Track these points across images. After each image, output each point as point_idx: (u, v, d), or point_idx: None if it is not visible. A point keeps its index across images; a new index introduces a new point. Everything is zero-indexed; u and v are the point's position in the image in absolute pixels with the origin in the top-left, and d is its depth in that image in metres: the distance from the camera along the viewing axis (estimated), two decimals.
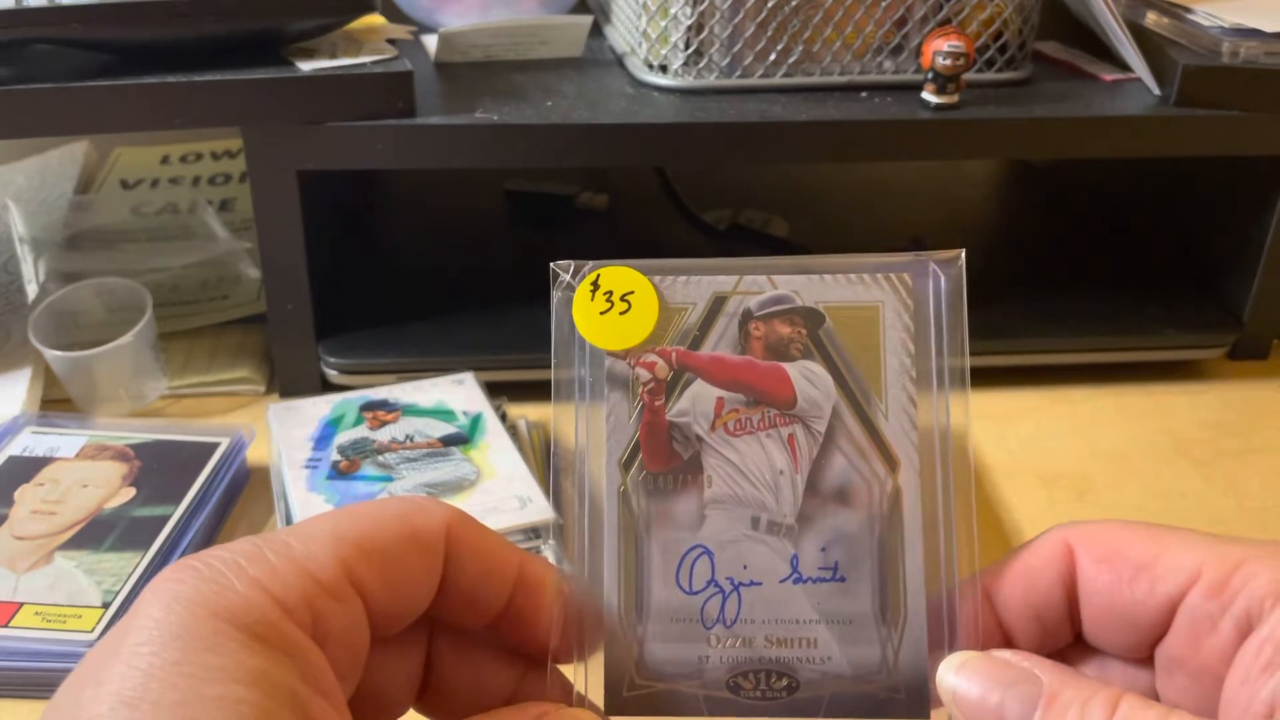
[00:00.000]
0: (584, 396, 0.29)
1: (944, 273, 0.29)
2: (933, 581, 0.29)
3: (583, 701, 0.28)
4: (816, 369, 0.29)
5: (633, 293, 0.30)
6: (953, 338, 0.29)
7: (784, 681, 0.28)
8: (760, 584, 0.29)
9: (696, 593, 0.29)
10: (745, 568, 0.29)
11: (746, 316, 0.30)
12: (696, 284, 0.30)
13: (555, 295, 0.30)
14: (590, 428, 0.29)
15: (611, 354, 0.29)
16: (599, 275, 0.30)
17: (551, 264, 0.30)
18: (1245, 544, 0.27)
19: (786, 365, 0.29)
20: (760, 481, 0.29)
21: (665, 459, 0.29)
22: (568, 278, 0.30)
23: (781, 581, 0.29)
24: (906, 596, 0.29)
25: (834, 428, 0.29)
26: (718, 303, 0.30)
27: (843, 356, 0.29)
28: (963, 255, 0.29)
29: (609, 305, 0.29)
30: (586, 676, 0.28)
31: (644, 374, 0.29)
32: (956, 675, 0.27)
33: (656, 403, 0.29)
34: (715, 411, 0.29)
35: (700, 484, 0.29)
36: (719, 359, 0.29)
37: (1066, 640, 0.29)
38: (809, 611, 0.29)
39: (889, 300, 0.29)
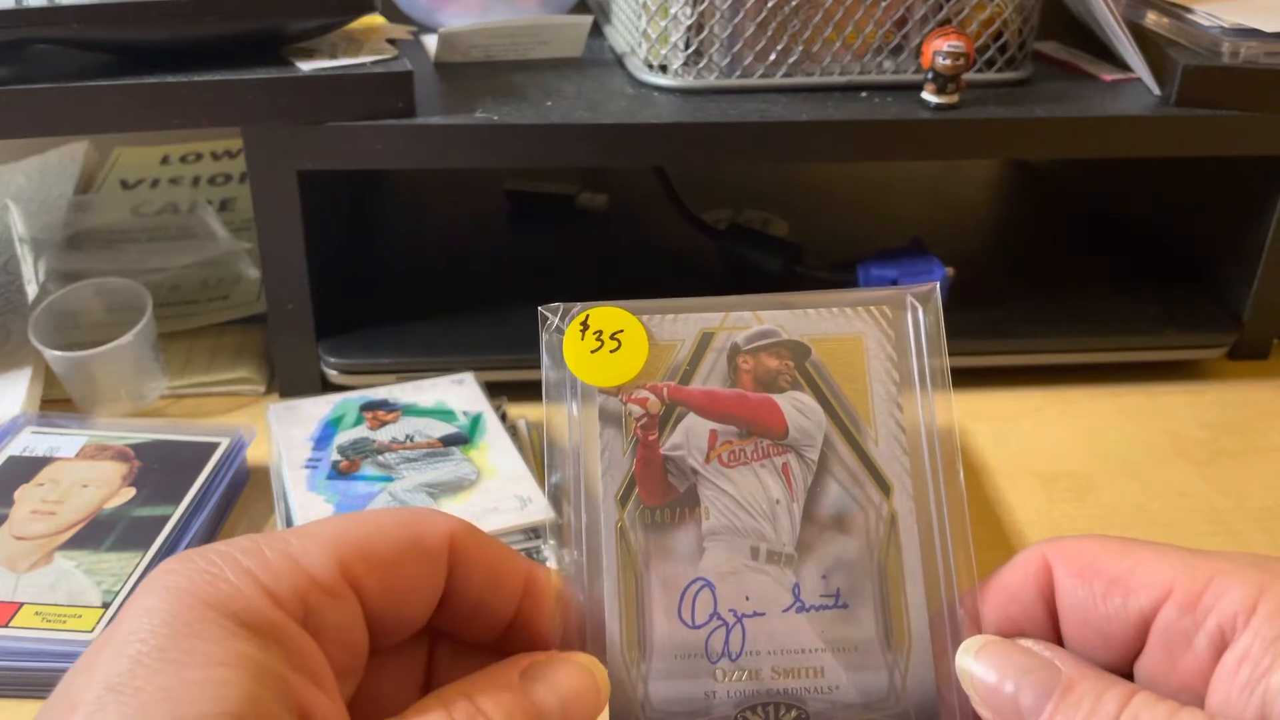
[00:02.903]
0: (578, 434, 0.30)
1: (921, 305, 0.30)
2: (934, 604, 0.29)
3: None
4: (806, 399, 0.30)
5: (622, 331, 0.30)
6: (935, 362, 0.30)
7: (793, 714, 0.28)
8: (763, 614, 0.29)
9: (699, 626, 0.29)
10: (747, 599, 0.29)
11: (734, 351, 0.30)
12: (684, 321, 0.30)
13: (544, 337, 0.30)
14: (586, 465, 0.29)
15: (604, 391, 0.30)
16: (588, 315, 0.30)
17: (539, 308, 0.30)
18: (1216, 558, 0.27)
19: (776, 397, 0.30)
20: (757, 511, 0.29)
21: (662, 492, 0.29)
22: (556, 320, 0.30)
23: (784, 611, 0.29)
24: (910, 620, 0.29)
25: (827, 456, 0.29)
26: (705, 339, 0.30)
27: (830, 386, 0.30)
28: (938, 289, 0.30)
29: (599, 344, 0.30)
30: None
31: (636, 409, 0.30)
32: (975, 660, 0.27)
33: (650, 437, 0.30)
34: (709, 444, 0.30)
35: (698, 516, 0.29)
36: (710, 393, 0.30)
37: None
38: (814, 640, 0.29)
39: (870, 332, 0.30)
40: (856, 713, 0.28)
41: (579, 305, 0.30)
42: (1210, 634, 0.26)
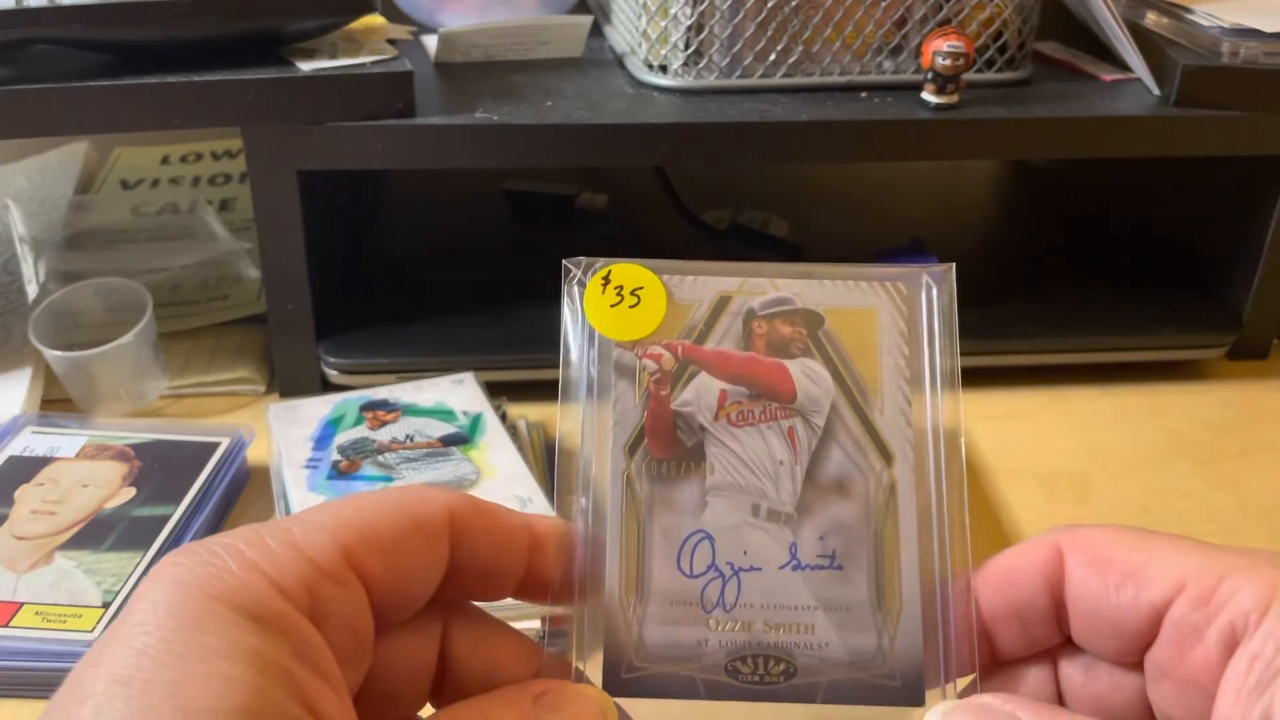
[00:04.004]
0: (591, 385, 0.30)
1: (936, 283, 0.31)
2: (927, 572, 0.29)
3: (582, 678, 0.29)
4: (816, 366, 0.31)
5: (642, 288, 0.31)
6: (945, 342, 0.31)
7: (781, 666, 0.29)
8: (760, 569, 0.29)
9: (697, 576, 0.29)
10: (745, 553, 0.29)
11: (750, 316, 0.31)
12: (703, 283, 0.31)
13: (566, 289, 0.31)
14: (597, 415, 0.30)
15: (620, 345, 0.31)
16: (610, 271, 0.31)
17: (564, 260, 0.31)
18: (1232, 554, 0.27)
19: (787, 362, 0.31)
20: (761, 471, 0.30)
21: (669, 446, 0.30)
22: (579, 273, 0.31)
23: (780, 568, 0.29)
24: (902, 586, 0.29)
25: (832, 422, 0.30)
26: (722, 301, 0.31)
27: (841, 356, 0.31)
28: (954, 268, 0.31)
29: (619, 299, 0.31)
30: (586, 657, 0.29)
31: (650, 365, 0.30)
32: None
33: (662, 392, 0.30)
34: (718, 403, 0.30)
35: (703, 472, 0.30)
36: (723, 354, 0.31)
37: (1054, 641, 0.29)
38: (807, 598, 0.29)
39: (884, 305, 0.31)
40: (843, 670, 0.29)
41: (601, 260, 0.31)
42: (1222, 630, 0.26)
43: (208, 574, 0.23)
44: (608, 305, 0.31)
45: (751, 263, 0.31)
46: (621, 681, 0.29)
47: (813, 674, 0.29)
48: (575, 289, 0.31)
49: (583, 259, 0.31)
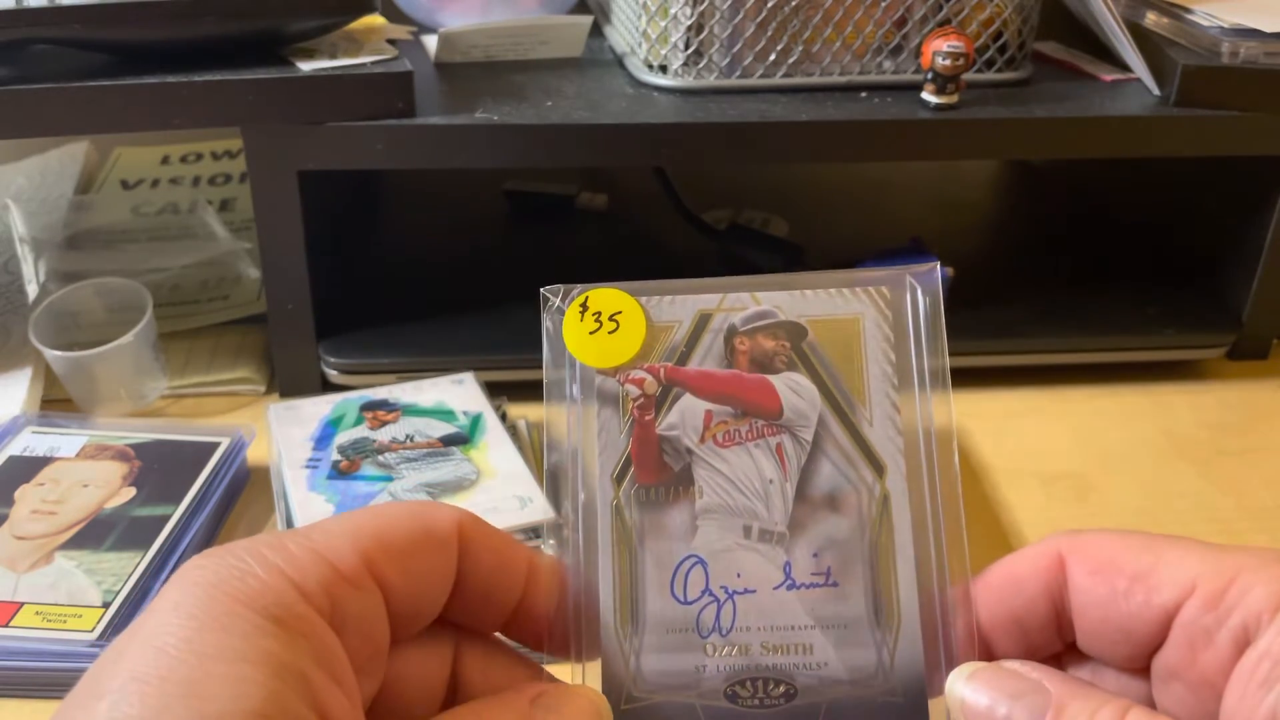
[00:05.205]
0: (576, 414, 0.30)
1: (920, 284, 0.30)
2: (925, 583, 0.29)
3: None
4: (801, 380, 0.30)
5: (620, 313, 0.30)
6: (933, 344, 0.30)
7: (781, 689, 0.28)
8: (754, 591, 0.29)
9: (691, 602, 0.29)
10: (739, 576, 0.29)
11: (731, 332, 0.30)
12: (682, 303, 0.30)
13: (546, 319, 0.30)
14: (583, 444, 0.30)
15: (602, 372, 0.30)
16: (587, 297, 0.30)
17: (541, 289, 0.30)
18: (1240, 553, 0.26)
19: (772, 377, 0.30)
20: (750, 491, 0.29)
21: (657, 472, 0.30)
22: (557, 301, 0.30)
23: (775, 589, 0.29)
24: (899, 599, 0.29)
25: (821, 436, 0.30)
26: (703, 320, 0.30)
27: (826, 367, 0.30)
28: (938, 267, 0.30)
29: (598, 325, 0.30)
30: (585, 681, 0.29)
31: (633, 390, 0.30)
32: (966, 684, 0.27)
33: (646, 417, 0.30)
34: (704, 424, 0.30)
35: (692, 495, 0.29)
36: (706, 374, 0.30)
37: (1054, 649, 0.29)
38: (803, 617, 0.29)
39: (868, 312, 0.30)
40: (844, 689, 0.28)
41: (579, 287, 0.30)
42: (1234, 631, 0.26)
43: (231, 576, 0.23)
44: (586, 333, 0.30)
45: (731, 277, 0.31)
46: (621, 713, 0.28)
47: (813, 694, 0.28)
48: (554, 317, 0.30)
49: (560, 286, 0.30)
